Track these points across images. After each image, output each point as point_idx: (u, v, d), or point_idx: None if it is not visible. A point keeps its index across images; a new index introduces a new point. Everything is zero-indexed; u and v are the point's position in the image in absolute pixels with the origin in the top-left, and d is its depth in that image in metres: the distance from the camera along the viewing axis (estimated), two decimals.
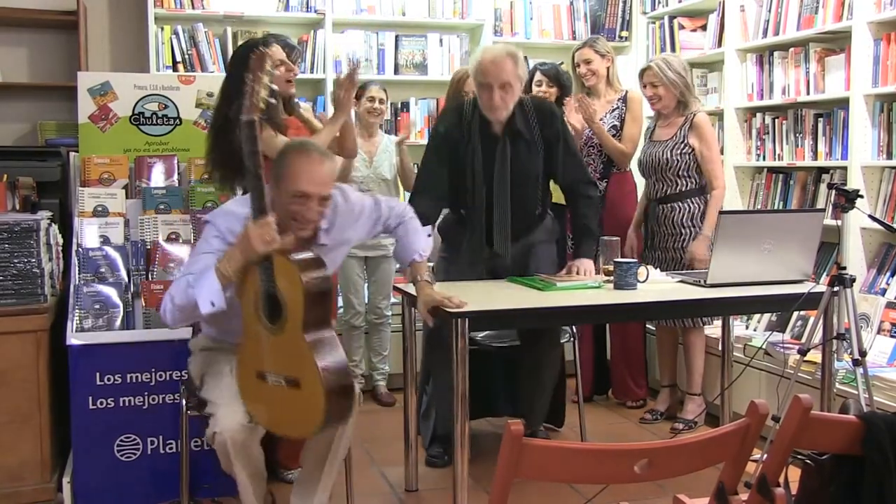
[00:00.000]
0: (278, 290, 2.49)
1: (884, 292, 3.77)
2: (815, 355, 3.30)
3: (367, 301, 4.57)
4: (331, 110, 3.91)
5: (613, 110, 4.41)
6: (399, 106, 5.21)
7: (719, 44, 4.76)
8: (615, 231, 4.20)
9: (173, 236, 3.47)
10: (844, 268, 3.07)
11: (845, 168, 3.94)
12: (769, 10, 4.40)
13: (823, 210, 3.53)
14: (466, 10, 5.22)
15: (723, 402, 3.87)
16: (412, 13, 5.16)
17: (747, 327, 4.28)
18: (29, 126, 4.82)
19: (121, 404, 3.21)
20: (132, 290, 3.34)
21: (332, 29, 5.00)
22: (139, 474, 3.23)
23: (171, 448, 3.25)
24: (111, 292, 3.29)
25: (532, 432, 3.70)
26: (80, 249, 3.39)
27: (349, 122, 3.73)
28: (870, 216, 3.34)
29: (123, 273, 3.38)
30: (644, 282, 3.22)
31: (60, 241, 3.59)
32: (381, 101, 4.45)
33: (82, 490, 3.19)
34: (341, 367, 2.54)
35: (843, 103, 3.96)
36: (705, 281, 3.23)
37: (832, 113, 4.08)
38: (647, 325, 4.54)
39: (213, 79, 4.20)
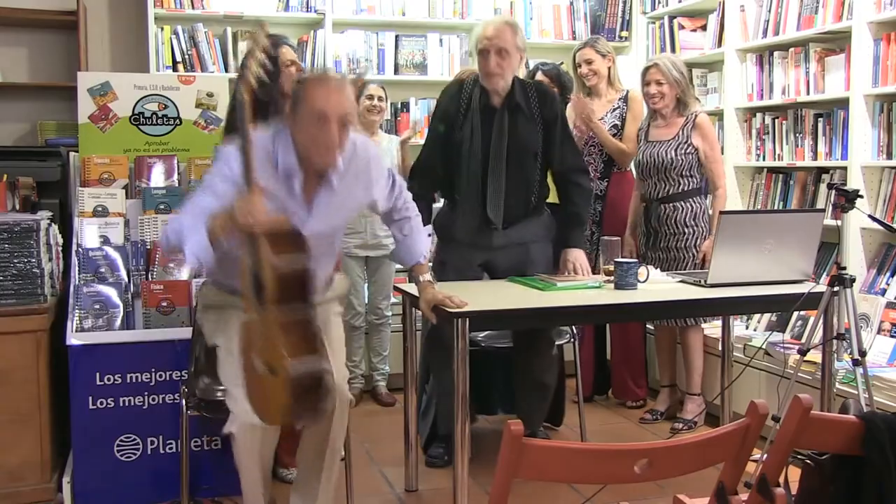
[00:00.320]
0: (261, 266, 2.39)
1: (884, 292, 3.77)
2: (815, 355, 3.31)
3: (367, 301, 4.57)
4: None
5: (614, 110, 4.41)
6: (399, 106, 5.21)
7: (719, 44, 4.76)
8: (616, 230, 4.21)
9: None
10: (844, 268, 3.07)
11: (845, 168, 3.94)
12: (769, 10, 4.40)
13: (823, 210, 3.53)
14: (466, 10, 5.21)
15: (723, 402, 3.87)
16: (412, 13, 5.16)
17: (747, 327, 4.28)
18: (29, 126, 4.82)
19: (121, 404, 3.21)
20: (132, 290, 3.34)
21: (332, 29, 5.00)
22: (139, 474, 3.23)
23: (171, 448, 3.25)
24: (111, 292, 3.29)
25: (532, 433, 3.70)
26: (80, 249, 3.39)
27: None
28: (870, 216, 3.34)
29: (123, 273, 3.38)
30: (644, 282, 3.22)
31: (60, 241, 3.59)
32: (379, 99, 4.45)
33: (82, 490, 3.19)
34: (312, 360, 2.41)
35: (843, 103, 3.96)
36: (705, 281, 3.23)
37: (832, 113, 4.08)
38: (647, 326, 4.54)
39: (213, 79, 4.20)
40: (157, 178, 3.67)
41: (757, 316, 4.24)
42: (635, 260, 3.33)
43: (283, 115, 2.61)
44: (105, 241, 3.45)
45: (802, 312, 3.84)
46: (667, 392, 4.33)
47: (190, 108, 3.81)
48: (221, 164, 2.56)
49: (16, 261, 3.21)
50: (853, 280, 3.05)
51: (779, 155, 4.40)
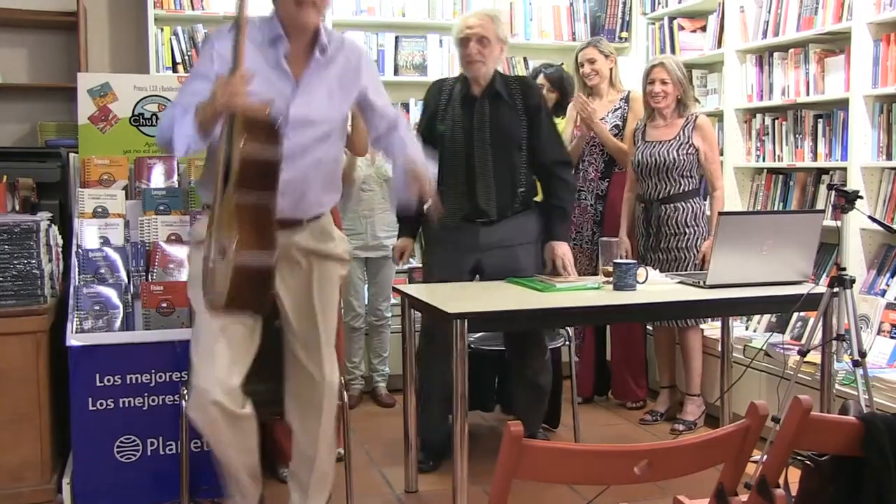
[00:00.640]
0: (231, 153, 2.35)
1: (884, 293, 3.77)
2: (815, 356, 3.30)
3: (367, 303, 4.57)
4: None
5: (616, 110, 4.42)
6: (399, 106, 5.21)
7: (719, 45, 4.76)
8: (617, 230, 4.22)
9: (173, 237, 3.47)
10: (844, 269, 3.07)
11: (845, 169, 3.94)
12: (769, 11, 4.41)
13: (823, 211, 3.53)
14: (466, 11, 5.21)
15: (723, 404, 3.87)
16: (412, 14, 5.16)
17: (747, 328, 4.28)
18: (28, 127, 4.82)
19: (120, 405, 3.20)
20: (132, 291, 3.34)
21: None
22: (139, 475, 3.22)
23: (170, 449, 3.25)
24: (111, 293, 3.29)
25: (531, 434, 3.70)
26: (79, 250, 3.39)
27: (358, 125, 3.76)
28: (869, 217, 3.34)
29: (123, 274, 3.38)
30: (643, 283, 3.23)
31: (60, 242, 3.60)
32: None
33: (82, 491, 3.19)
34: (260, 253, 2.35)
35: (843, 104, 3.96)
36: (705, 282, 3.23)
37: (832, 114, 4.08)
38: (647, 326, 4.54)
39: None
40: (157, 179, 3.67)
41: (757, 317, 4.24)
42: (634, 261, 3.33)
43: None
44: (105, 242, 3.45)
45: (802, 313, 3.84)
46: (666, 393, 4.33)
47: None
48: (210, 45, 2.56)
49: (16, 262, 3.21)
50: (853, 281, 3.05)
51: (779, 156, 4.40)
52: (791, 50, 4.28)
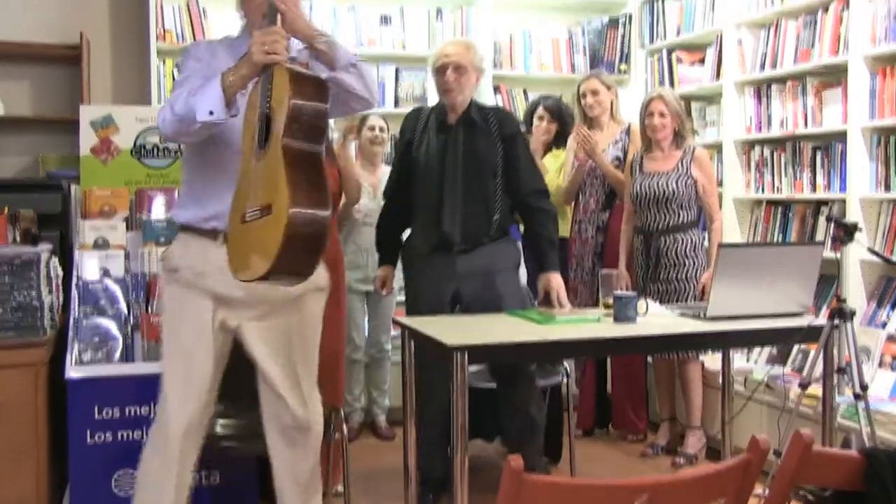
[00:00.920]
0: (271, 108, 2.25)
1: (884, 325, 3.77)
2: (816, 389, 3.29)
3: (367, 336, 4.56)
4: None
5: (617, 142, 4.44)
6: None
7: (717, 77, 4.79)
8: (618, 261, 4.22)
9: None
10: (844, 301, 3.06)
11: (844, 200, 3.95)
12: (766, 44, 4.44)
13: (822, 243, 3.53)
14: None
15: (724, 436, 3.84)
16: (412, 46, 5.20)
17: (748, 360, 4.26)
18: (30, 159, 4.84)
19: (119, 438, 3.18)
20: (132, 322, 3.33)
21: None
22: None
23: None
24: (111, 325, 3.28)
25: (530, 466, 3.67)
26: (80, 282, 3.39)
27: (348, 167, 3.81)
28: (869, 249, 3.35)
29: (123, 306, 3.37)
30: (644, 315, 3.22)
31: (60, 273, 3.60)
32: (381, 130, 4.49)
33: None
34: (317, 207, 2.19)
35: (841, 136, 3.98)
36: (705, 314, 3.23)
37: (830, 145, 4.09)
38: (647, 358, 4.53)
39: None
40: (158, 210, 3.68)
41: (757, 349, 4.23)
42: (634, 293, 3.33)
43: None
44: (105, 273, 3.45)
45: (803, 345, 3.83)
46: (667, 425, 4.31)
47: None
48: (187, 55, 2.53)
49: (16, 293, 3.21)
50: (853, 313, 3.04)
51: (778, 187, 4.41)
52: (789, 82, 4.31)
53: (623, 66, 5.49)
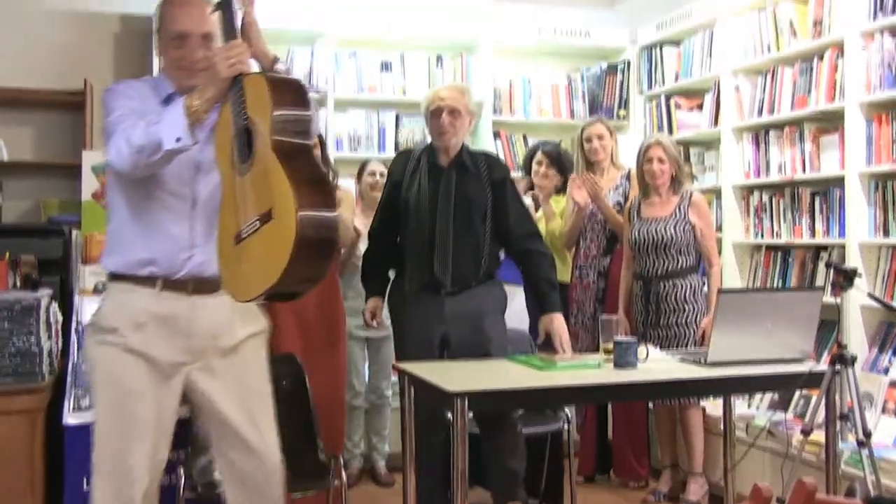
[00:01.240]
0: (248, 118, 2.14)
1: (886, 371, 3.74)
2: (819, 435, 3.27)
3: (367, 381, 4.54)
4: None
5: (617, 187, 4.46)
6: None
7: (715, 122, 4.82)
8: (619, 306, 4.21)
9: None
10: (845, 347, 3.05)
11: (843, 246, 3.95)
12: (763, 90, 4.48)
13: (822, 288, 3.53)
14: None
15: (726, 484, 3.80)
16: (413, 92, 5.24)
17: (749, 406, 4.24)
18: (32, 203, 4.86)
19: None
20: None
21: (334, 108, 5.09)
22: None
23: None
24: None
25: None
26: (79, 327, 3.38)
27: (345, 212, 3.83)
28: (869, 295, 3.34)
29: None
30: (644, 361, 3.21)
31: (60, 318, 3.60)
32: (381, 175, 4.50)
33: None
34: (324, 208, 2.06)
35: (839, 181, 4.00)
36: (706, 360, 3.22)
37: (828, 191, 4.11)
38: (648, 404, 4.50)
39: None
40: None
41: (759, 394, 4.21)
42: (635, 339, 3.32)
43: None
44: None
45: (805, 391, 3.81)
46: (669, 472, 4.27)
47: None
48: (113, 92, 2.38)
49: (15, 339, 3.21)
50: (854, 359, 3.03)
51: (777, 232, 4.42)
52: (786, 128, 4.34)
53: (622, 112, 5.53)
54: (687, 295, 4.04)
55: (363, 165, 4.58)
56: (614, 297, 4.32)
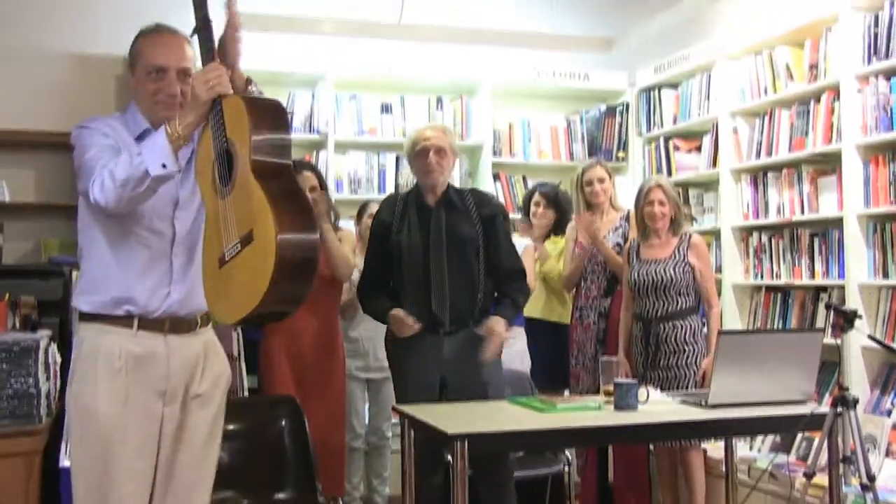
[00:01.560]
0: (228, 140, 2.13)
1: (889, 413, 3.72)
2: (822, 478, 3.24)
3: (367, 423, 4.51)
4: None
5: (617, 229, 4.47)
6: None
7: (714, 164, 4.85)
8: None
9: None
10: (847, 389, 3.03)
11: (843, 287, 3.95)
12: (761, 133, 4.52)
13: (822, 330, 3.53)
14: (466, 132, 5.34)
15: None
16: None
17: (751, 448, 4.21)
18: (33, 244, 4.87)
19: None
20: None
21: (335, 149, 5.12)
22: None
23: None
24: None
25: None
26: None
27: (331, 245, 3.83)
28: (869, 336, 3.33)
29: None
30: (645, 402, 3.19)
31: (59, 360, 3.58)
32: None
33: None
34: (305, 231, 2.07)
35: (838, 223, 4.01)
36: (706, 401, 3.20)
37: (827, 232, 4.12)
38: (649, 445, 4.47)
39: None
40: None
41: (760, 436, 4.18)
42: (635, 381, 3.31)
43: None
44: None
45: (807, 433, 3.78)
46: None
47: None
48: (83, 131, 2.36)
49: (13, 381, 3.19)
50: (856, 401, 3.01)
51: (776, 273, 4.42)
52: (784, 170, 4.37)
53: (621, 154, 5.56)
54: (687, 336, 4.03)
55: (363, 207, 4.59)
56: (615, 338, 4.31)
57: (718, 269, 4.70)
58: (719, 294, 4.43)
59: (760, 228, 4.56)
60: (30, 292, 3.82)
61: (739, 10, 4.92)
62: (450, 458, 2.95)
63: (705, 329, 4.15)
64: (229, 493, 2.87)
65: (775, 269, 4.44)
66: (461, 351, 3.45)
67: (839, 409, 2.98)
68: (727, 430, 3.41)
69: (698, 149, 5.12)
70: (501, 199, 4.89)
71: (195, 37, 2.27)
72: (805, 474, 3.09)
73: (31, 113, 4.83)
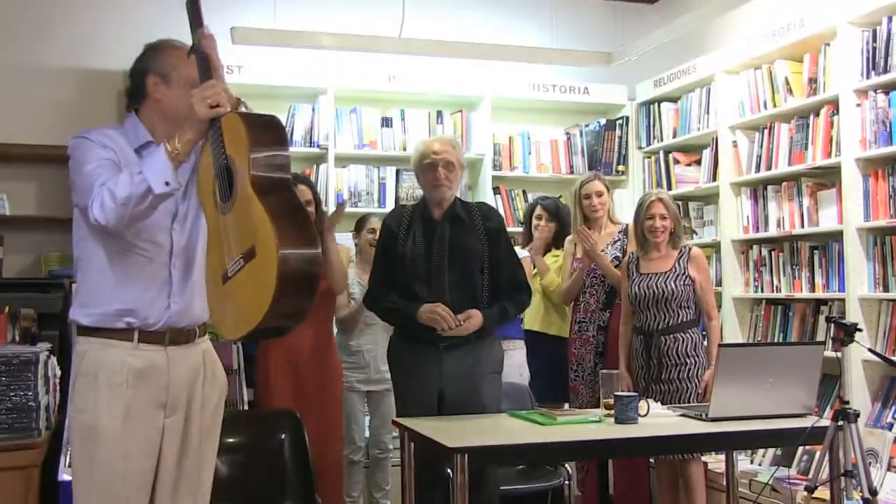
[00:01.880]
0: (228, 156, 2.15)
1: (890, 426, 3.71)
2: (823, 492, 3.23)
3: (368, 435, 4.50)
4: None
5: (615, 242, 4.46)
6: None
7: (714, 178, 4.86)
8: (618, 361, 4.19)
9: None
10: (847, 402, 3.03)
11: (843, 300, 3.95)
12: (761, 146, 4.53)
13: (823, 343, 3.53)
14: (466, 145, 5.35)
15: None
16: (413, 148, 5.28)
17: (752, 461, 4.20)
18: (33, 257, 4.87)
19: None
20: None
21: (335, 163, 5.13)
22: None
23: None
24: None
25: None
26: None
27: (332, 258, 3.82)
28: (870, 350, 3.33)
29: None
30: (645, 416, 3.19)
31: (59, 373, 3.58)
32: None
33: None
34: (307, 246, 2.09)
35: (838, 236, 4.02)
36: (707, 415, 3.20)
37: (827, 245, 4.13)
38: (650, 460, 4.46)
39: None
40: None
41: (761, 450, 4.17)
42: (635, 394, 3.30)
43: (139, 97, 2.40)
44: None
45: (808, 446, 3.77)
46: None
47: None
48: (82, 142, 2.33)
49: (12, 394, 3.18)
50: (857, 415, 3.00)
51: (776, 286, 4.42)
52: (784, 183, 4.38)
53: (621, 168, 5.57)
54: (688, 349, 4.02)
55: (363, 220, 4.58)
56: (614, 352, 4.30)
57: (719, 283, 4.70)
58: (719, 307, 4.43)
59: (760, 242, 4.56)
60: (30, 305, 3.81)
61: (739, 25, 4.94)
62: (450, 471, 2.93)
63: (706, 342, 4.15)
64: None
65: (775, 282, 4.44)
66: (460, 369, 3.42)
67: (840, 423, 2.97)
68: (728, 443, 3.41)
69: (698, 162, 5.13)
70: (501, 213, 4.88)
71: (192, 56, 2.29)
72: (806, 488, 3.08)
73: (31, 127, 4.84)
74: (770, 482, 3.70)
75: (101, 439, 2.24)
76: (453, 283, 3.45)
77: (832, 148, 4.06)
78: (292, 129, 5.08)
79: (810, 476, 3.17)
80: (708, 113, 4.94)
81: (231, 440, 3.30)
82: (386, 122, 5.31)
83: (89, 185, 2.24)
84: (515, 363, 4.28)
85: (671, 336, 4.04)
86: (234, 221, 2.13)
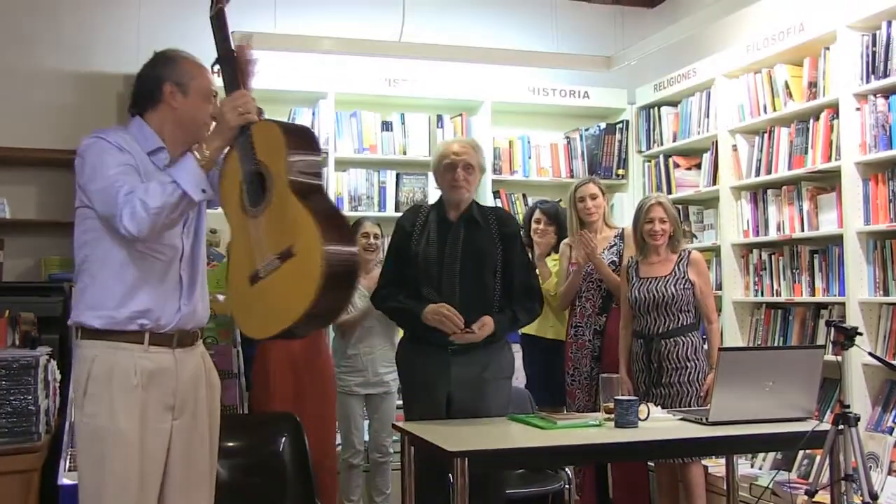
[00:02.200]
0: (259, 162, 2.24)
1: (891, 431, 3.71)
2: (824, 496, 3.22)
3: (367, 439, 4.49)
4: None
5: (611, 246, 4.46)
6: None
7: (714, 182, 4.86)
8: (615, 365, 4.19)
9: None
10: (848, 406, 3.03)
11: (843, 304, 3.95)
12: (760, 150, 4.53)
13: (823, 347, 3.52)
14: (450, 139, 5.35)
15: None
16: (413, 152, 5.30)
17: (752, 465, 4.19)
18: (33, 261, 4.87)
19: None
20: None
21: (335, 167, 5.13)
22: None
23: None
24: None
25: None
26: None
27: None
28: (870, 354, 3.33)
29: None
30: (645, 420, 3.19)
31: (59, 377, 3.58)
32: (375, 237, 4.50)
33: None
34: (347, 245, 2.20)
35: (838, 240, 4.02)
36: (707, 419, 3.19)
37: (827, 249, 4.13)
38: (649, 462, 4.45)
39: (215, 215, 4.26)
40: None
41: (762, 454, 4.17)
42: (635, 398, 3.30)
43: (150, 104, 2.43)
44: None
45: (808, 450, 3.77)
46: None
47: None
48: (115, 142, 2.35)
49: (12, 398, 3.18)
50: (858, 419, 3.00)
51: (777, 290, 4.42)
52: (784, 187, 4.38)
53: (620, 171, 5.57)
54: (689, 353, 4.02)
55: (356, 224, 4.52)
56: (610, 356, 4.30)
57: (719, 286, 4.70)
58: (719, 311, 4.43)
59: (760, 245, 4.56)
60: (30, 309, 3.81)
61: (738, 29, 4.95)
62: (451, 475, 2.93)
63: (706, 346, 4.15)
64: None
65: (775, 286, 4.44)
66: (468, 374, 3.40)
67: (840, 427, 2.97)
68: (728, 447, 3.41)
69: (698, 166, 5.13)
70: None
71: (216, 66, 2.39)
72: (807, 492, 3.08)
73: (32, 131, 4.85)
74: (770, 486, 3.69)
75: (117, 442, 2.26)
76: (463, 286, 3.43)
77: (832, 152, 4.06)
78: None
79: (811, 480, 3.17)
80: (708, 117, 4.94)
81: (231, 443, 3.31)
82: (386, 126, 5.32)
83: (114, 193, 2.27)
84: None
85: (671, 340, 4.04)
86: (268, 224, 2.21)
